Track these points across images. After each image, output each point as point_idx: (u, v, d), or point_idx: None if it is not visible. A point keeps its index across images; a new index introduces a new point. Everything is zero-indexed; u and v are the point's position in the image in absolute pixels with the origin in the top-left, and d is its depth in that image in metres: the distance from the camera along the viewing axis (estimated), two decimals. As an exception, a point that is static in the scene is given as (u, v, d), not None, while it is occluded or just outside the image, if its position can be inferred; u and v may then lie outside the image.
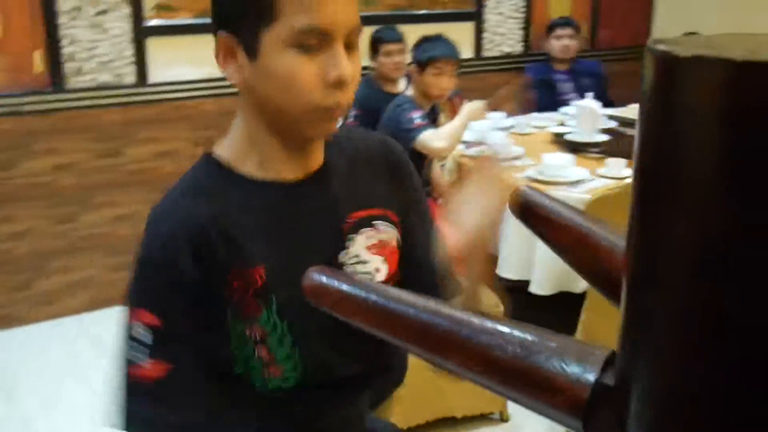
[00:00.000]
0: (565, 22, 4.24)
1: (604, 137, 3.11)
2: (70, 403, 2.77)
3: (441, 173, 3.34)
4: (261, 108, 0.97)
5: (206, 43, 3.97)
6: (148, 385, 0.93)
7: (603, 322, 2.38)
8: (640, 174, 0.39)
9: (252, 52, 0.93)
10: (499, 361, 0.51)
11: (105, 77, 3.39)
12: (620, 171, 2.63)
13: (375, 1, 3.93)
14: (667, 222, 0.37)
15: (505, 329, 0.53)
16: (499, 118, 3.63)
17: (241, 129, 1.02)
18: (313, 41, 0.91)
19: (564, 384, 0.47)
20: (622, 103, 3.98)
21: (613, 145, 3.02)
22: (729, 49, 0.34)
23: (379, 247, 1.07)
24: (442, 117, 3.27)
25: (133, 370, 0.94)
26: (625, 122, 3.41)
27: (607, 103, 3.75)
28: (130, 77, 3.45)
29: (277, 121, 0.97)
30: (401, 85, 3.67)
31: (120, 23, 3.37)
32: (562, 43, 4.20)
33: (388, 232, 1.08)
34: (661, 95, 0.37)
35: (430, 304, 0.58)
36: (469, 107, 2.90)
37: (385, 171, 1.11)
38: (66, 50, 3.28)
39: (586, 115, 3.07)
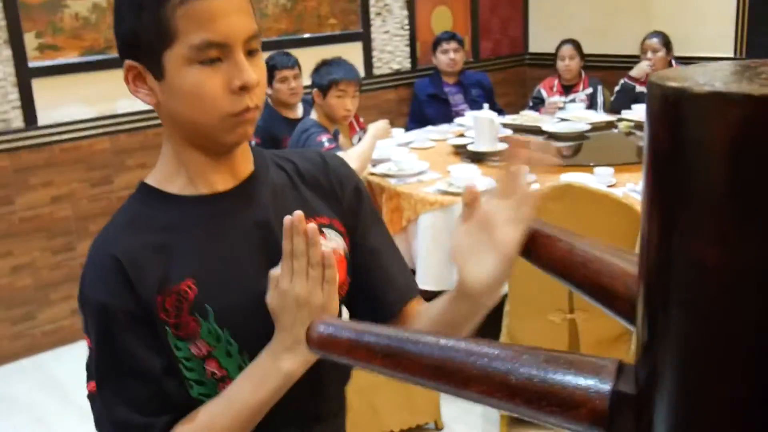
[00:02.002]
0: (449, 36, 4.40)
1: (504, 145, 3.25)
2: None
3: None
4: (178, 124, 0.99)
5: (95, 81, 3.89)
6: (93, 395, 1.01)
7: (523, 324, 2.49)
8: (654, 199, 0.41)
9: (158, 73, 0.96)
10: (518, 386, 0.55)
11: (-10, 123, 3.24)
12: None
13: (262, 28, 3.94)
14: (684, 247, 0.39)
15: (517, 354, 0.57)
16: (398, 133, 3.72)
17: (167, 150, 1.04)
18: (213, 54, 0.94)
19: (583, 397, 0.50)
20: (509, 110, 4.17)
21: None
22: (738, 83, 0.36)
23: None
24: (341, 138, 3.32)
25: (88, 385, 1.04)
26: (520, 129, 3.58)
27: (497, 111, 3.92)
28: (17, 121, 3.30)
29: (194, 134, 0.99)
30: (299, 110, 3.69)
31: (2, 67, 3.23)
32: (448, 57, 4.35)
33: (335, 241, 1.08)
34: (674, 131, 0.38)
35: (441, 339, 0.61)
36: (375, 127, 2.96)
37: (326, 183, 1.11)
38: (-56, 98, 3.12)
39: (484, 126, 3.20)
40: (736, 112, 0.34)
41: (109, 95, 3.48)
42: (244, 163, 1.06)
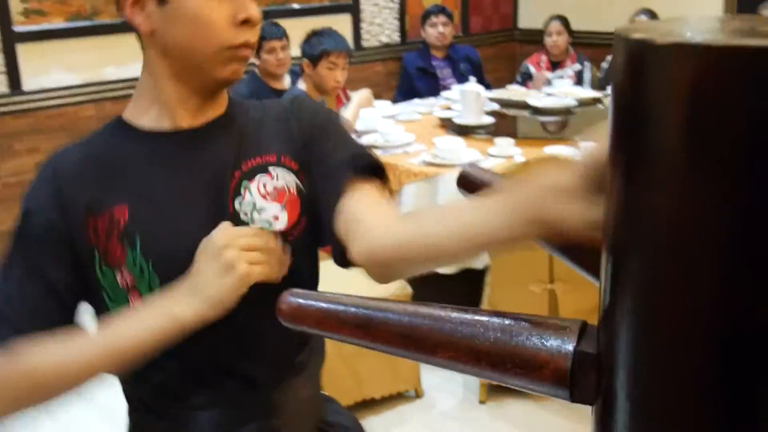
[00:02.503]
0: (439, 10, 4.38)
1: (490, 119, 3.27)
2: None
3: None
4: (168, 54, 0.99)
5: (82, 48, 3.86)
6: None
7: (504, 294, 2.53)
8: (617, 152, 0.41)
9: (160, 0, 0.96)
10: (483, 350, 0.56)
11: (-26, 88, 3.22)
12: (509, 150, 2.78)
13: (252, -4, 3.91)
14: (643, 199, 0.39)
15: (483, 318, 0.58)
16: (386, 106, 3.72)
17: (142, 84, 1.04)
18: None
19: (546, 358, 0.51)
20: (498, 85, 4.17)
21: (499, 126, 3.18)
22: (700, 34, 0.36)
23: (276, 195, 1.04)
24: (329, 109, 3.32)
25: None
26: (506, 104, 3.59)
27: (485, 86, 3.93)
28: (2, 87, 3.28)
29: (185, 65, 0.99)
30: (287, 81, 3.68)
31: (-14, 30, 3.20)
32: (437, 31, 4.34)
33: (284, 178, 1.05)
34: (635, 82, 0.38)
35: (409, 307, 0.63)
36: (358, 96, 2.96)
37: (285, 122, 1.09)
38: (-72, 62, 3.09)
39: (471, 99, 3.21)
40: (694, 62, 0.34)
41: (95, 62, 3.46)
42: (216, 107, 1.06)
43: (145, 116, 1.03)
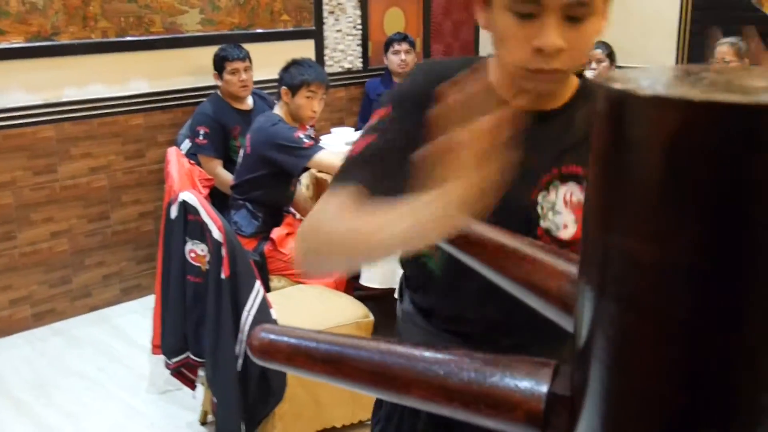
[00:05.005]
0: (401, 38, 4.44)
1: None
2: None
3: (302, 191, 3.41)
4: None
5: (41, 68, 3.82)
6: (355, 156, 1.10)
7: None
8: (595, 196, 0.42)
9: (488, 3, 1.06)
10: (455, 389, 0.56)
11: (-71, 107, 3.15)
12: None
13: (215, 21, 3.92)
14: (619, 245, 0.40)
15: (455, 357, 0.59)
16: (348, 132, 3.74)
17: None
18: (527, 10, 0.99)
19: (520, 399, 0.51)
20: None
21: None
22: (680, 87, 0.37)
23: (577, 206, 1.09)
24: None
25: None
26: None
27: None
28: (-42, 106, 3.22)
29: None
30: (249, 102, 3.69)
31: (-58, 49, 3.14)
32: (399, 58, 4.40)
33: None
34: (616, 131, 0.39)
35: (381, 344, 0.63)
36: None
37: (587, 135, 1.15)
38: None
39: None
40: (675, 115, 0.35)
41: (55, 82, 3.42)
42: (559, 95, 1.13)
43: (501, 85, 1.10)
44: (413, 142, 0.93)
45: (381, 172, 1.06)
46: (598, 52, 4.27)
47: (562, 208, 1.09)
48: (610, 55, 4.28)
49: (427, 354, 0.61)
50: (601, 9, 1.02)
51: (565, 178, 1.10)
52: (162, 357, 2.55)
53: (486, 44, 5.47)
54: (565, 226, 1.09)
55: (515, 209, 1.04)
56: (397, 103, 1.11)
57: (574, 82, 1.14)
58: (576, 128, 1.11)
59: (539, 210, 1.08)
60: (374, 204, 0.95)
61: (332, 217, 1.00)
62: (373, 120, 1.12)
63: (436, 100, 0.84)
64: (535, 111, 1.09)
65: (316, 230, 1.01)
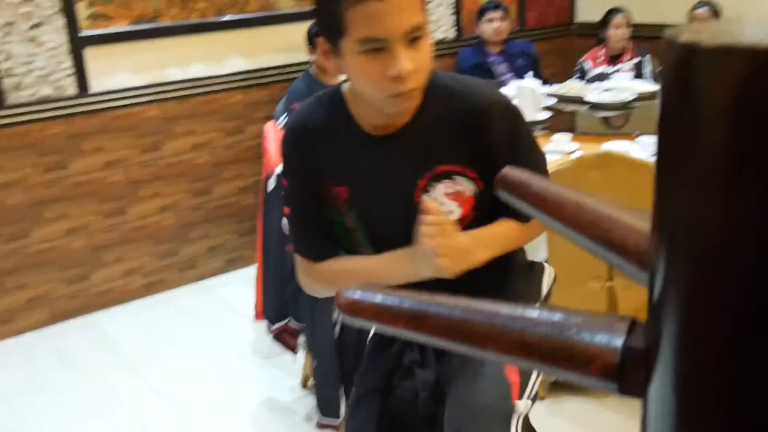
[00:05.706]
0: (494, 5, 4.35)
1: (547, 114, 3.25)
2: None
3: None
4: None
5: (145, 50, 3.94)
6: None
7: (563, 293, 2.49)
8: (664, 157, 0.42)
9: (338, 52, 1.24)
10: (533, 343, 0.58)
11: (45, 90, 3.35)
12: (566, 145, 2.76)
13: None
14: (690, 203, 0.40)
15: (533, 313, 0.60)
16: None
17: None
18: (375, 47, 1.18)
19: (595, 352, 0.53)
20: (555, 80, 4.13)
21: (556, 122, 3.16)
22: (750, 35, 0.36)
23: (456, 196, 1.36)
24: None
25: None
26: (564, 99, 3.56)
27: (543, 81, 3.90)
28: (71, 89, 3.41)
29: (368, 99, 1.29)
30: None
31: (55, 35, 3.33)
32: (493, 26, 4.32)
33: (464, 185, 1.35)
34: (682, 86, 0.38)
35: (461, 302, 0.65)
36: None
37: (460, 128, 1.34)
38: (2, 66, 3.23)
39: (527, 95, 3.19)
40: (740, 65, 0.34)
41: (158, 63, 3.57)
42: (404, 115, 1.36)
43: (362, 114, 1.36)
44: (314, 196, 1.38)
45: (314, 237, 1.43)
46: (703, 12, 4.07)
47: (444, 200, 1.36)
48: (716, 15, 4.07)
49: (505, 310, 0.62)
50: (428, 28, 1.24)
51: (438, 177, 1.35)
52: (265, 323, 2.65)
53: (584, 8, 5.31)
54: (451, 212, 1.36)
55: (403, 215, 1.33)
56: (289, 175, 1.41)
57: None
58: (431, 132, 1.34)
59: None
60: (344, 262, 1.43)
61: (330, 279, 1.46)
62: (285, 189, 1.43)
63: (322, 153, 1.36)
64: (392, 130, 1.33)
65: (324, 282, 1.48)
